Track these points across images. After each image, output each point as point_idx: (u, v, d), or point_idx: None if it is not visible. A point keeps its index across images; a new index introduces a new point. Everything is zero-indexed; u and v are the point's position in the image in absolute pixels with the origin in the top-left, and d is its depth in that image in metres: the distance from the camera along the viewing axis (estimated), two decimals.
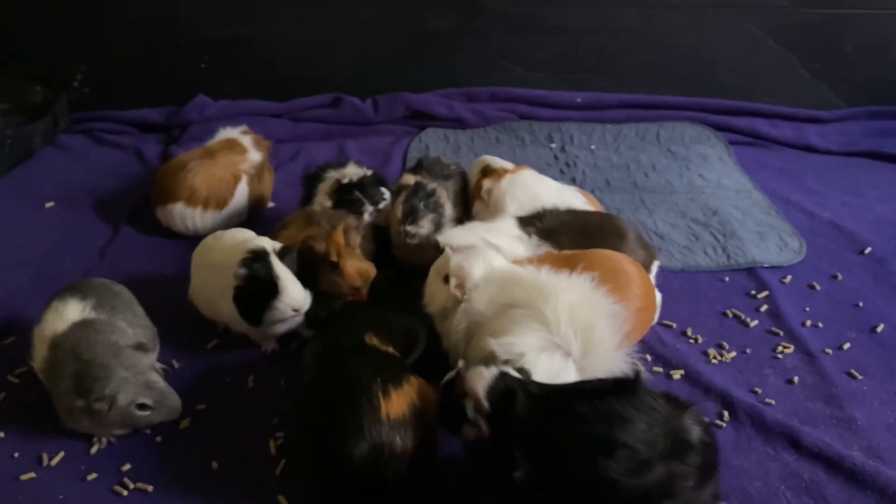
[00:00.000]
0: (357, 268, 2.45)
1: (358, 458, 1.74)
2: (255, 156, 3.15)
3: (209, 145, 3.16)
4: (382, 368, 1.89)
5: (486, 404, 1.69)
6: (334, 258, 2.42)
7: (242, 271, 2.21)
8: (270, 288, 2.22)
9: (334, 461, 1.76)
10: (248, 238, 2.40)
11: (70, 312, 2.13)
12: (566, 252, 2.44)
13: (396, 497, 1.83)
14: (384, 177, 2.90)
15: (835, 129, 4.05)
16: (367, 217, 2.72)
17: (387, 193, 2.79)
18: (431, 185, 2.73)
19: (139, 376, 1.98)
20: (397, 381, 1.85)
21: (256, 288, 2.22)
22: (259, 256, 2.24)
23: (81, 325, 2.09)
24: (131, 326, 2.19)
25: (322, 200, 2.74)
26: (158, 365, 2.17)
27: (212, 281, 2.37)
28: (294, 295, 2.24)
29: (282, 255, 2.29)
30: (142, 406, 1.98)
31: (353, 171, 2.77)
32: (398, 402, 1.81)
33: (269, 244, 2.33)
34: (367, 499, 1.83)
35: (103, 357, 1.99)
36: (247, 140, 3.19)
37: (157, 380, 2.02)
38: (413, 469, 1.81)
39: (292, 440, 2.04)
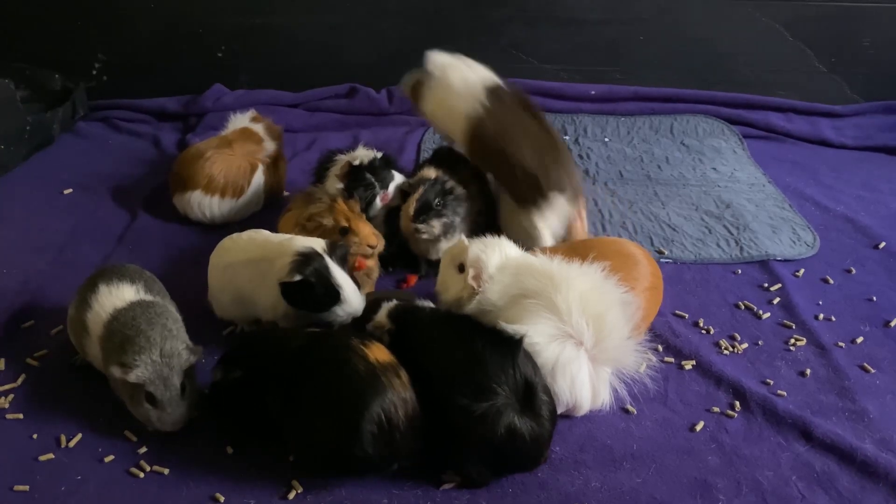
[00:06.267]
0: (370, 229, 2.49)
1: (373, 414, 1.78)
2: (270, 145, 3.21)
3: (225, 134, 3.19)
4: (348, 332, 1.97)
5: (387, 322, 2.09)
6: (345, 224, 2.44)
7: (297, 277, 2.14)
8: (331, 295, 2.18)
9: (348, 421, 1.79)
10: (280, 238, 2.35)
11: (126, 293, 2.14)
12: (576, 241, 2.45)
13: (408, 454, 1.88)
14: (394, 158, 2.92)
15: (850, 124, 4.03)
16: (378, 201, 2.73)
17: (397, 176, 2.81)
18: (452, 181, 2.71)
19: (165, 369, 1.97)
20: (367, 338, 1.94)
21: (313, 293, 2.17)
22: (310, 258, 2.18)
23: (141, 304, 2.11)
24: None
25: (333, 184, 2.75)
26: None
27: (240, 278, 2.34)
28: (355, 305, 2.21)
29: (331, 251, 2.25)
30: (149, 397, 1.96)
31: (362, 154, 2.79)
32: (379, 350, 1.90)
33: (316, 244, 2.26)
34: (381, 460, 1.85)
35: (155, 335, 2.00)
36: (261, 129, 3.23)
37: (178, 386, 1.98)
38: (418, 426, 1.86)
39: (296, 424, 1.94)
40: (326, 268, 2.18)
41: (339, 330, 2.02)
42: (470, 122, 2.68)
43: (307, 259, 2.17)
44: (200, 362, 2.11)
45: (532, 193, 2.61)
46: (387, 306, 2.14)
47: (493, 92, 2.71)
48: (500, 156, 2.64)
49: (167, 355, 1.98)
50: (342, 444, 1.81)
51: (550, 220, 2.63)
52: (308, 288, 2.16)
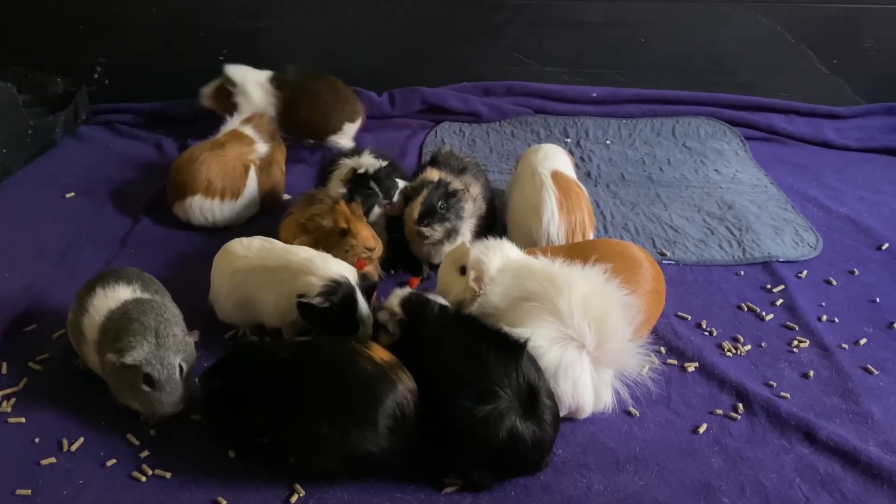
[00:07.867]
0: (369, 231, 2.50)
1: (388, 409, 1.83)
2: (262, 147, 3.19)
3: (218, 138, 3.19)
4: (343, 339, 1.99)
5: (399, 312, 2.11)
6: (344, 225, 2.45)
7: (325, 304, 2.16)
8: (351, 328, 2.20)
9: (364, 419, 1.82)
10: (309, 254, 2.33)
11: (121, 293, 2.14)
12: (579, 242, 2.44)
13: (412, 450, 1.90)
14: (399, 166, 2.91)
15: (852, 125, 4.03)
16: (377, 210, 2.73)
17: (401, 184, 2.81)
18: (456, 184, 2.70)
19: (160, 350, 1.97)
20: (364, 342, 1.96)
21: (334, 320, 2.18)
22: (342, 287, 2.18)
23: (136, 302, 2.11)
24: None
25: (336, 188, 2.75)
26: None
27: (249, 284, 2.35)
28: (367, 336, 2.21)
29: (361, 281, 2.26)
30: (147, 379, 1.95)
31: (369, 161, 2.78)
32: (379, 350, 1.92)
33: (349, 272, 2.26)
34: (396, 453, 1.87)
35: (148, 321, 2.02)
36: (251, 131, 3.22)
37: (175, 365, 1.98)
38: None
39: (305, 432, 1.92)
40: (355, 301, 2.20)
41: (335, 339, 2.02)
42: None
43: (339, 286, 2.18)
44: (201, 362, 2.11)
45: (330, 128, 3.61)
46: (400, 294, 2.15)
47: (275, 78, 3.63)
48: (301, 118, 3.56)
49: (162, 336, 1.99)
50: (360, 442, 1.82)
51: (345, 140, 3.63)
52: (330, 314, 2.18)
